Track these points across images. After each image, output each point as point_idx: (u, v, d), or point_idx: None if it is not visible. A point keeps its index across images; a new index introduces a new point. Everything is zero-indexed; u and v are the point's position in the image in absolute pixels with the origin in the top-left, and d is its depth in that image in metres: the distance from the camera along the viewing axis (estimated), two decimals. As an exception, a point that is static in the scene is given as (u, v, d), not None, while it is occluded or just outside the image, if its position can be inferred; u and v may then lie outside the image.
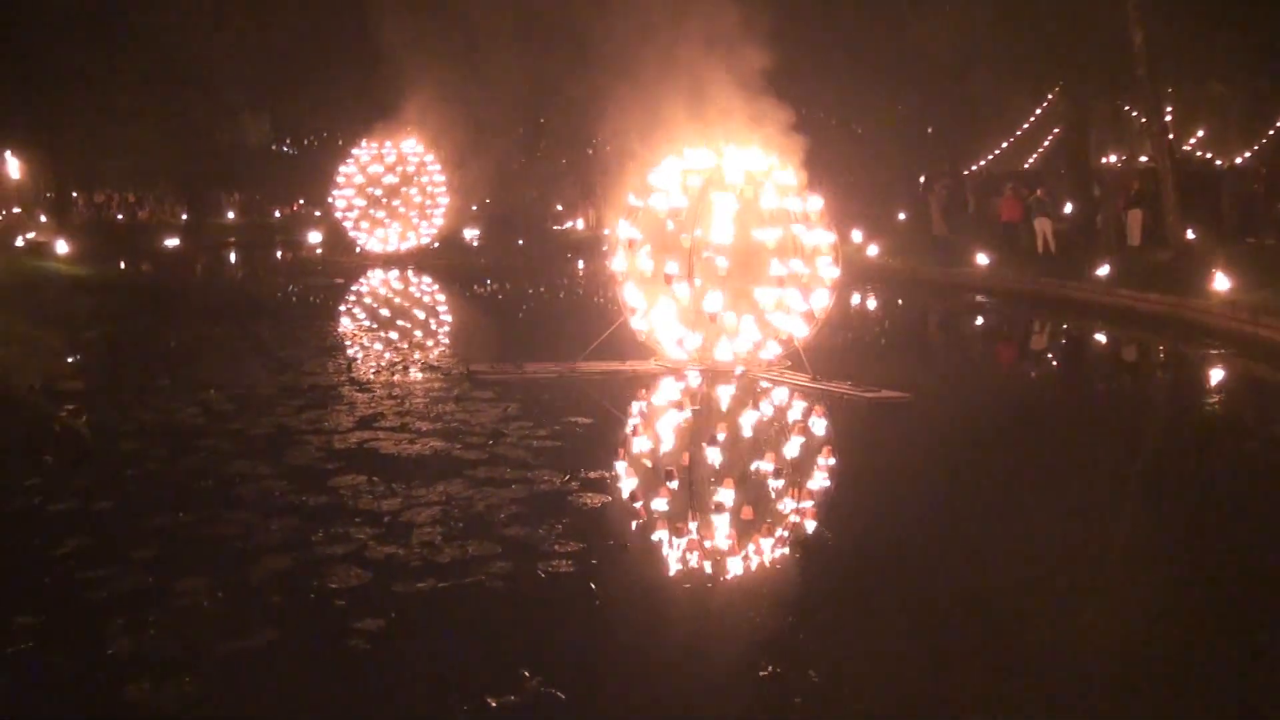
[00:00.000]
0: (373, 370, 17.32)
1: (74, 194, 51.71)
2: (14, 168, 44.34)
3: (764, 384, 15.48)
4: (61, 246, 33.28)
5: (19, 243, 32.77)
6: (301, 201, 68.74)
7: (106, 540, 9.16)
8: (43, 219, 43.96)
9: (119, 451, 12.14)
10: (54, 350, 19.24)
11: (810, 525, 9.48)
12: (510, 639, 7.22)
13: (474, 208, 52.53)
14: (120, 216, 58.58)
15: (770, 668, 6.71)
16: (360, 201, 42.08)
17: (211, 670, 6.82)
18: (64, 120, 43.37)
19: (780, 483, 10.70)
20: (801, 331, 15.70)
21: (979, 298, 28.12)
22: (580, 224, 52.59)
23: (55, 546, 9.01)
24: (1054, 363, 20.42)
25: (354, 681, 6.71)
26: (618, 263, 16.61)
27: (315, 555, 8.73)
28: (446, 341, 21.63)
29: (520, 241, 48.20)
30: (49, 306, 23.23)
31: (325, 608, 7.76)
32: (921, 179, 47.65)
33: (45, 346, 19.18)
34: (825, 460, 11.51)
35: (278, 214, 67.60)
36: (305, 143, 72.20)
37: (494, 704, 6.28)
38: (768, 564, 8.65)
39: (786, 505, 10.07)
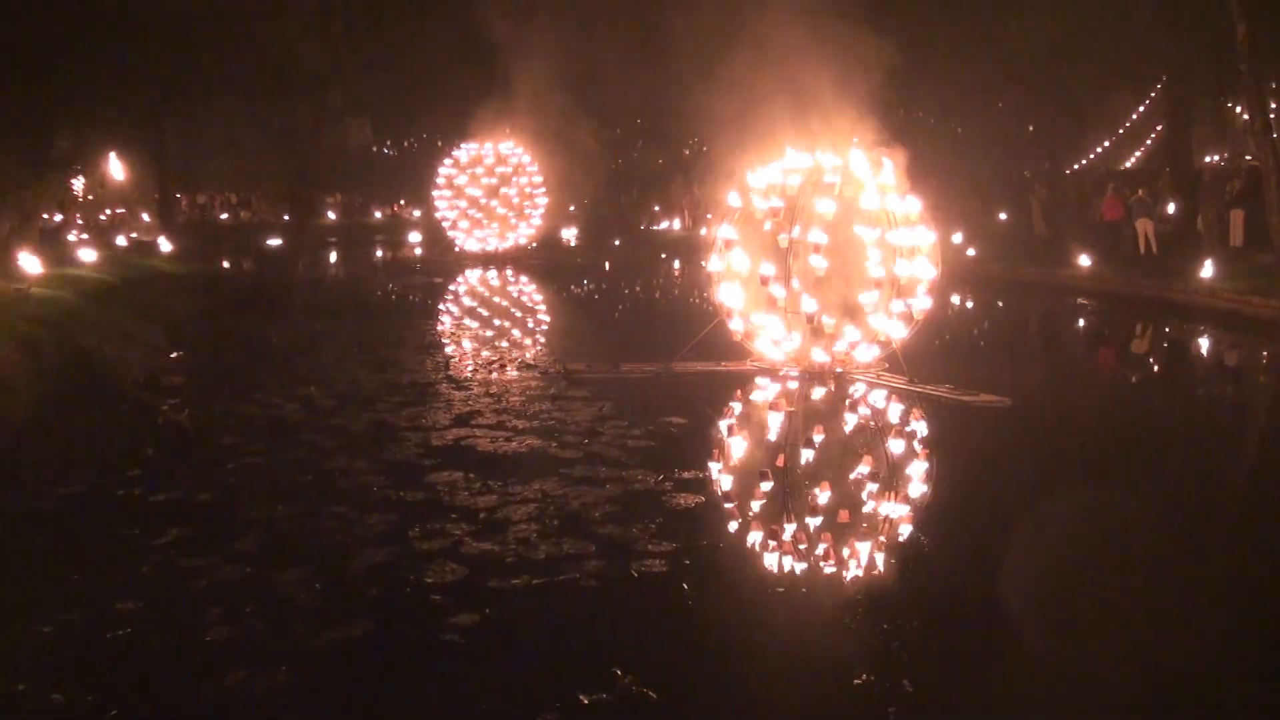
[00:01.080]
0: (470, 368, 17.47)
1: (178, 194, 52.79)
2: (118, 169, 45.38)
3: (861, 386, 15.33)
4: (165, 245, 34.00)
5: (123, 242, 33.48)
6: (401, 202, 69.55)
7: (207, 531, 9.35)
8: (146, 218, 44.94)
9: (220, 445, 12.39)
10: (158, 346, 19.68)
11: (906, 531, 9.37)
12: (603, 637, 7.24)
13: (571, 208, 52.79)
14: (224, 216, 59.67)
15: (864, 676, 6.60)
16: (459, 202, 42.49)
17: (308, 660, 6.92)
18: (167, 122, 44.34)
19: (876, 486, 10.58)
20: (900, 333, 15.54)
21: (1080, 300, 27.60)
22: (677, 224, 52.57)
23: (156, 536, 9.21)
24: (1156, 368, 19.97)
25: (448, 676, 6.77)
26: (714, 263, 16.56)
27: (412, 550, 8.83)
28: (543, 340, 21.74)
29: (617, 242, 48.32)
30: (153, 304, 23.76)
31: (421, 602, 7.84)
32: (1026, 174, 46.94)
33: (149, 342, 19.63)
34: (922, 465, 11.39)
35: (378, 215, 68.46)
36: (405, 145, 73.10)
37: (585, 701, 6.29)
38: (862, 569, 8.56)
39: (882, 510, 9.95)
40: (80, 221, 37.27)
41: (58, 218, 36.31)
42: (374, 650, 7.10)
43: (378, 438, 12.66)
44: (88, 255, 27.18)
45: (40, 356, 15.10)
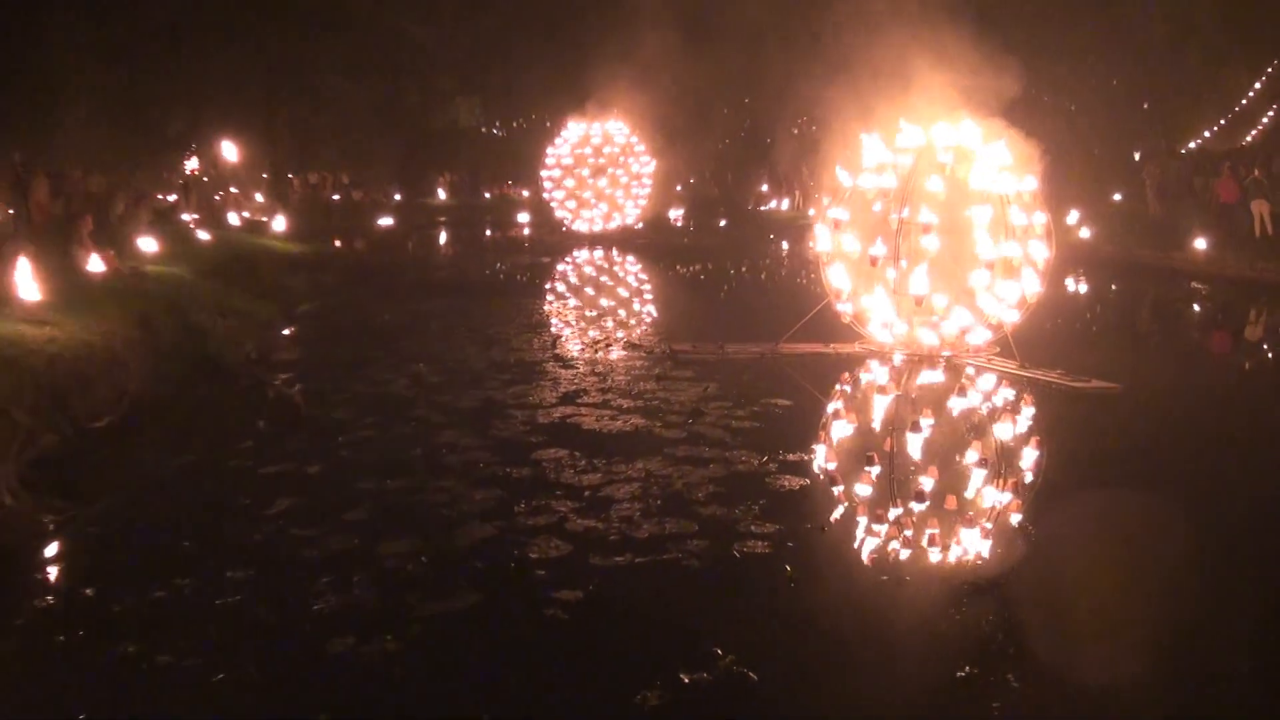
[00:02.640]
0: (576, 347, 17.54)
1: (290, 175, 53.59)
2: (231, 150, 46.22)
3: (970, 370, 15.09)
4: (278, 224, 34.55)
5: (236, 221, 34.07)
6: (510, 182, 70.00)
7: (317, 502, 9.53)
8: (259, 199, 45.69)
9: (331, 419, 12.59)
10: (270, 323, 20.05)
11: (1014, 519, 9.21)
12: (704, 617, 7.22)
13: (678, 188, 52.69)
14: (335, 196, 60.48)
15: (967, 668, 6.51)
16: (567, 182, 42.63)
17: (413, 631, 7.02)
18: (280, 104, 45.07)
19: (984, 473, 10.40)
20: (1011, 316, 15.26)
21: (1195, 284, 26.86)
22: (784, 204, 52.19)
23: (267, 506, 9.41)
24: (1271, 356, 19.38)
25: (550, 650, 6.82)
26: (823, 244, 16.41)
27: (517, 525, 8.90)
28: (648, 320, 21.74)
29: (723, 222, 48.12)
30: (266, 282, 24.17)
31: (525, 577, 7.90)
32: (1137, 154, 45.79)
33: (262, 319, 19.99)
34: (1032, 452, 11.18)
35: (487, 195, 68.93)
36: (514, 125, 73.52)
37: (686, 680, 6.29)
38: (969, 558, 8.43)
39: (990, 497, 9.77)
40: (195, 201, 37.98)
41: (172, 198, 37.04)
42: (478, 623, 7.18)
43: (485, 414, 12.77)
44: (202, 234, 27.71)
45: (156, 333, 15.44)
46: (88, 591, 7.76)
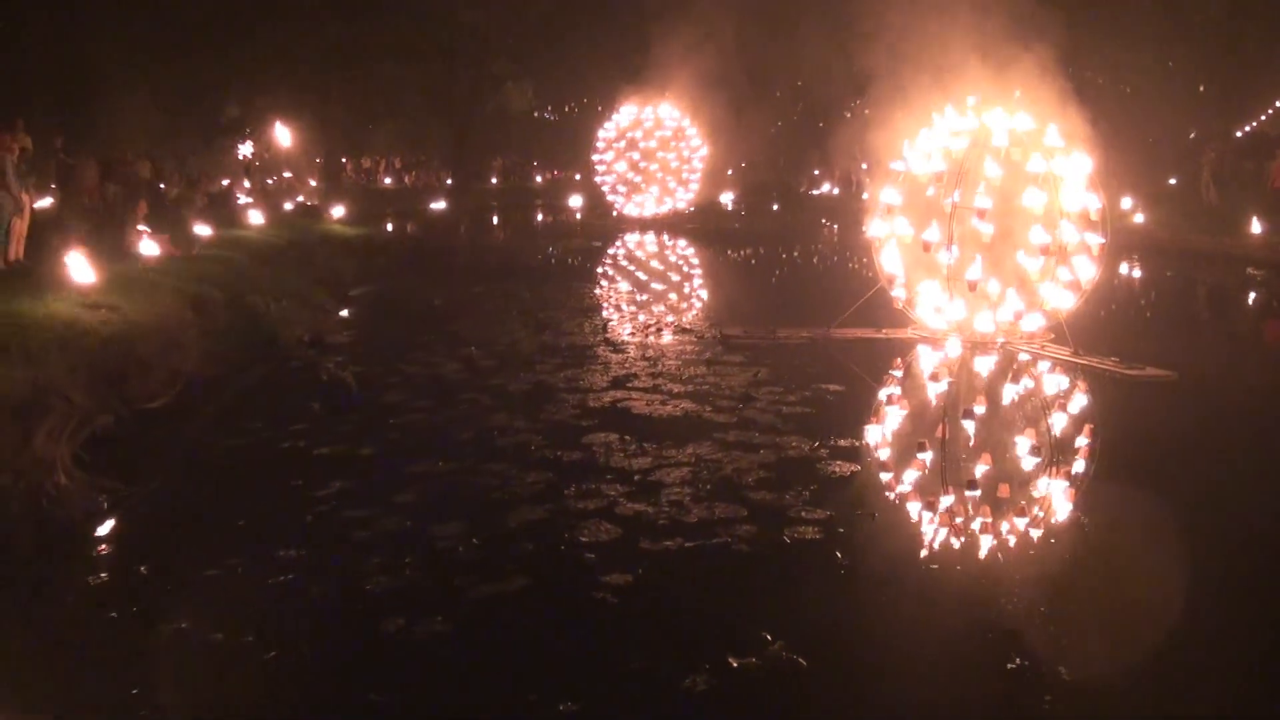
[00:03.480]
0: (627, 331, 17.53)
1: (343, 159, 53.95)
2: (285, 135, 46.55)
3: (1024, 357, 14.95)
4: (331, 208, 34.81)
5: (289, 206, 34.34)
6: (560, 168, 70.13)
7: (369, 484, 9.58)
8: (313, 183, 46.00)
9: (383, 402, 12.66)
10: (323, 306, 20.18)
11: (1068, 509, 9.10)
12: (754, 602, 7.19)
13: (730, 172, 52.56)
14: (388, 180, 60.82)
15: (1018, 660, 6.41)
16: (618, 166, 42.63)
17: (464, 612, 7.04)
18: (333, 89, 45.33)
19: (1038, 461, 10.29)
20: (1066, 302, 15.09)
21: (1251, 270, 26.40)
22: (837, 188, 51.95)
23: (320, 487, 9.47)
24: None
25: (600, 633, 6.82)
26: (876, 228, 16.31)
27: (567, 508, 8.91)
28: (700, 305, 21.72)
29: (775, 206, 47.98)
30: (319, 265, 24.33)
31: (575, 560, 7.91)
32: (1193, 136, 45.11)
33: (316, 302, 20.12)
34: (1086, 440, 11.04)
35: (539, 179, 69.12)
36: (566, 109, 73.60)
37: (735, 664, 6.27)
38: (1021, 547, 8.32)
39: (1043, 486, 9.68)
40: (248, 186, 38.36)
41: (226, 182, 37.42)
42: (528, 606, 7.18)
43: (536, 398, 12.79)
44: (256, 218, 27.93)
45: (210, 315, 15.58)
46: (141, 569, 7.85)
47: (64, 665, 6.32)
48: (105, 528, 8.80)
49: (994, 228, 14.72)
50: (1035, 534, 8.54)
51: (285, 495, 9.37)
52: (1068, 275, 14.98)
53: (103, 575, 7.83)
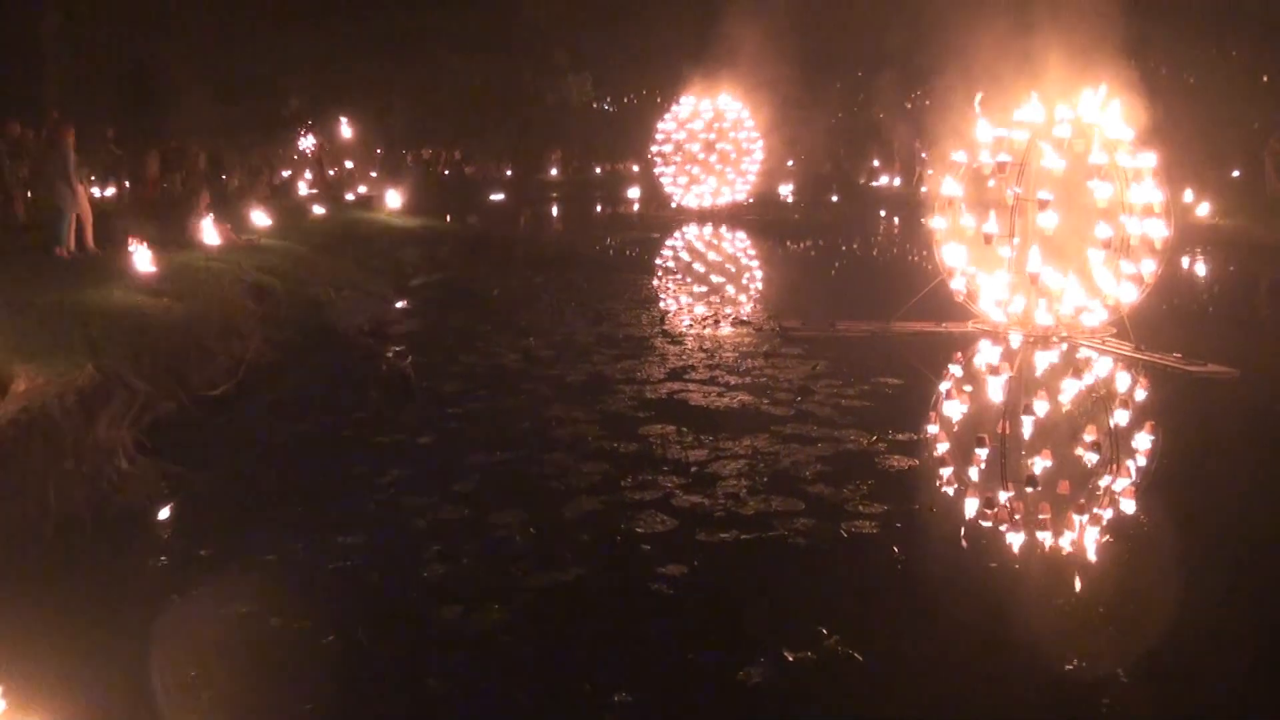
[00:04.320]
0: (685, 323, 17.50)
1: (404, 150, 54.20)
2: (346, 127, 46.93)
3: (1085, 352, 14.76)
4: (392, 199, 34.99)
5: (350, 197, 34.56)
6: (620, 159, 70.14)
7: (428, 472, 9.67)
8: (373, 174, 46.28)
9: (442, 391, 12.75)
10: (384, 296, 20.32)
11: (1128, 507, 8.95)
12: (809, 596, 7.17)
13: (789, 163, 52.30)
14: (447, 172, 61.06)
15: (1076, 662, 6.33)
16: (677, 158, 42.54)
17: (520, 601, 7.07)
18: (393, 82, 45.59)
19: (1098, 458, 10.15)
20: (1128, 297, 14.89)
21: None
22: (897, 180, 51.54)
23: (379, 475, 9.56)
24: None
25: (655, 624, 6.82)
26: (936, 220, 16.17)
27: (624, 499, 8.92)
28: (758, 297, 21.63)
29: (835, 198, 47.67)
30: (380, 256, 24.48)
31: (631, 551, 7.92)
32: (1256, 125, 44.24)
33: (376, 292, 20.26)
34: (1147, 437, 10.87)
35: (598, 170, 69.15)
36: (625, 101, 73.55)
37: (790, 659, 6.25)
38: (1081, 546, 8.22)
39: (1104, 484, 9.53)
40: (310, 176, 38.68)
41: (288, 173, 37.72)
42: (583, 596, 7.21)
43: (593, 389, 12.82)
44: (317, 208, 28.16)
45: (271, 305, 15.73)
46: (202, 553, 7.95)
47: (126, 647, 6.40)
48: (166, 512, 8.93)
49: (1056, 220, 14.54)
50: (1094, 532, 8.43)
51: (345, 482, 9.47)
52: (1130, 269, 14.78)
53: (163, 559, 7.93)
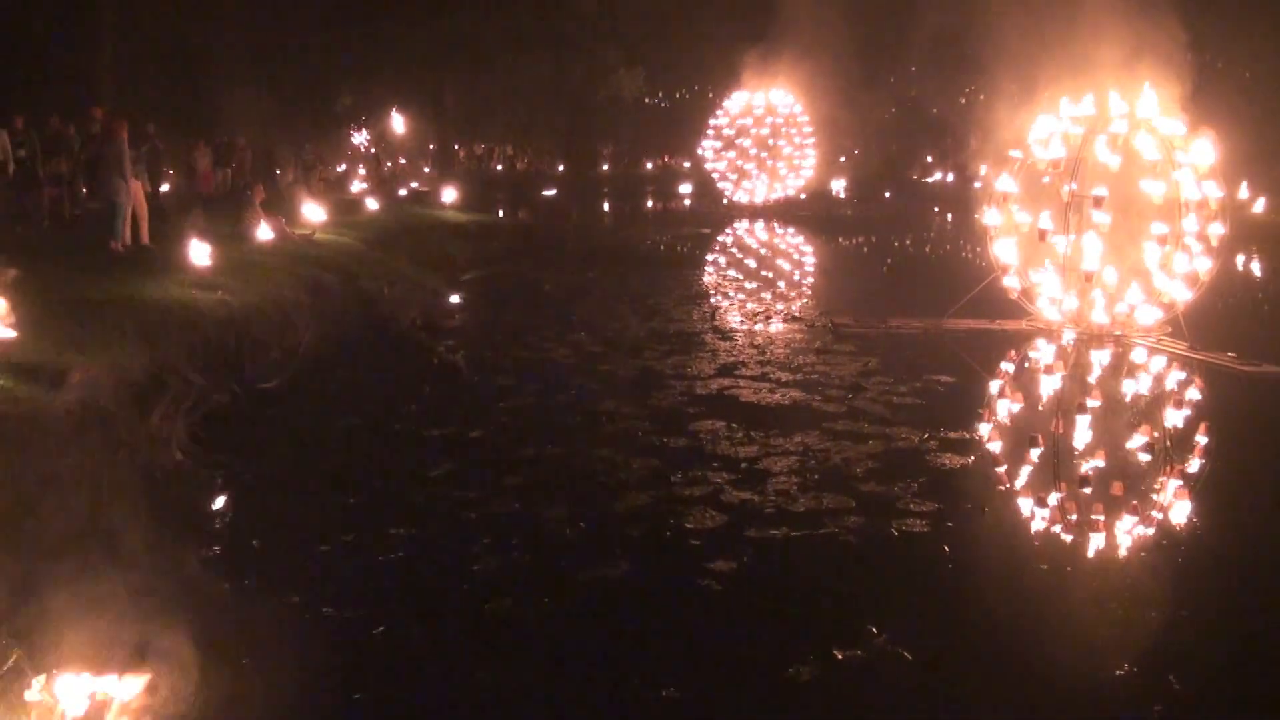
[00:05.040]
0: (736, 319, 17.48)
1: (456, 146, 54.41)
2: (399, 122, 47.19)
3: (1140, 350, 14.59)
4: (444, 195, 35.18)
5: (403, 192, 34.79)
6: (671, 154, 70.08)
7: (478, 466, 9.69)
8: (426, 170, 46.52)
9: (493, 385, 12.79)
10: (436, 290, 20.41)
11: (1182, 510, 8.82)
12: (859, 594, 7.13)
13: (841, 159, 52.10)
14: (499, 168, 61.30)
15: (1126, 667, 6.23)
16: (729, 153, 42.48)
17: (569, 595, 7.08)
18: (446, 78, 45.75)
19: (1151, 459, 10.02)
20: (1183, 295, 14.71)
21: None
22: (950, 176, 51.22)
23: (431, 468, 9.60)
24: None
25: (704, 620, 6.80)
26: (990, 217, 16.05)
27: (673, 495, 8.91)
28: (809, 293, 21.56)
29: (887, 193, 47.46)
30: (432, 250, 24.61)
31: (680, 546, 7.91)
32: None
33: (428, 287, 20.36)
34: (1201, 439, 10.71)
35: (649, 165, 69.15)
36: (677, 96, 73.44)
37: (840, 657, 6.22)
38: (1133, 548, 8.12)
39: (1157, 485, 9.41)
40: (363, 172, 38.99)
41: (341, 168, 38.03)
42: (632, 590, 7.20)
43: (644, 384, 12.82)
44: (371, 204, 28.35)
45: (324, 298, 15.84)
46: (254, 543, 8.01)
47: (177, 635, 6.46)
48: (220, 503, 9.01)
49: (1112, 217, 14.40)
50: (1147, 534, 8.32)
51: (396, 475, 9.51)
52: (1185, 266, 14.60)
53: (216, 549, 8.00)
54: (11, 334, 9.27)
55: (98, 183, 16.49)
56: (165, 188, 24.66)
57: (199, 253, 14.47)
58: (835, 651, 6.26)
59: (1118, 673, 6.18)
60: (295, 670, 6.16)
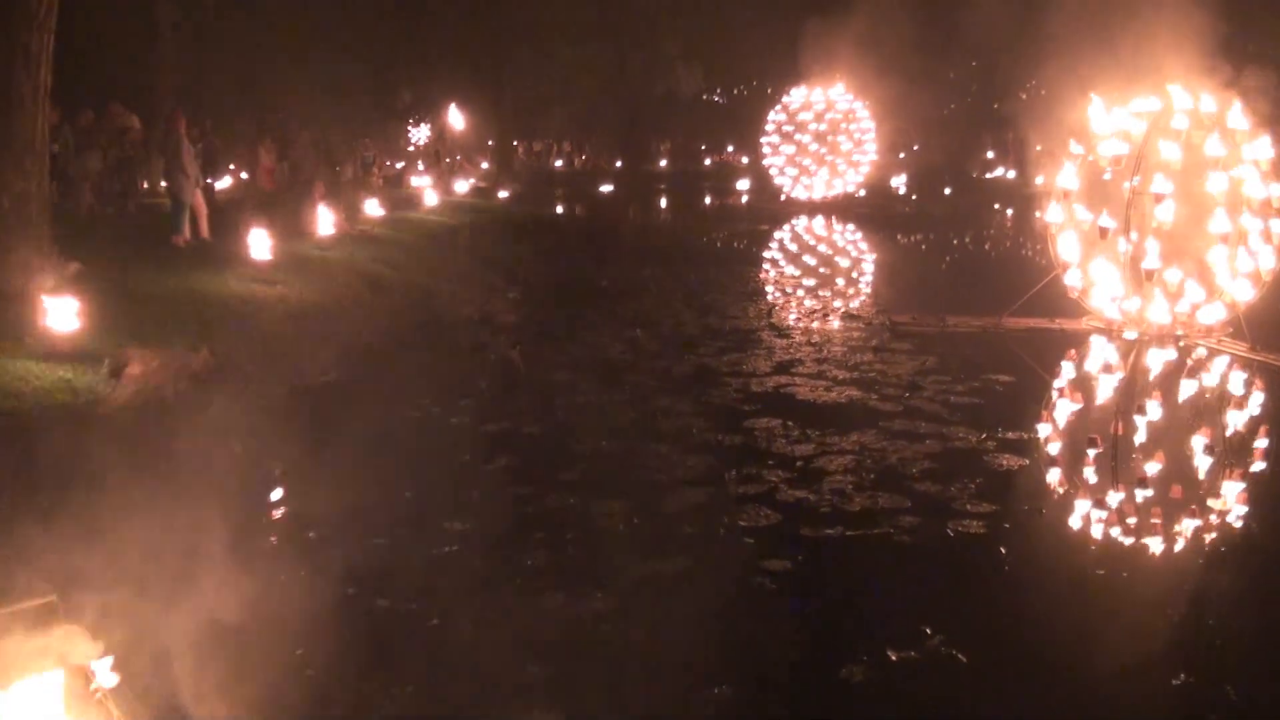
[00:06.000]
0: (793, 316, 17.44)
1: (514, 142, 54.61)
2: (458, 119, 47.40)
3: (1201, 351, 14.38)
4: (502, 191, 35.33)
5: (462, 188, 34.99)
6: (730, 149, 69.98)
7: (533, 461, 9.73)
8: (485, 166, 46.74)
9: (549, 381, 12.83)
10: (493, 286, 20.49)
11: (1242, 515, 8.66)
12: (914, 595, 7.08)
13: (901, 155, 51.77)
14: (558, 163, 61.51)
15: (1183, 676, 6.11)
16: (787, 149, 42.34)
17: (623, 591, 7.09)
18: (504, 73, 45.90)
19: (1212, 462, 9.87)
20: (1245, 294, 14.48)
21: None
22: (1011, 172, 50.75)
23: (486, 463, 9.67)
24: None
25: (757, 617, 6.78)
26: (1051, 214, 15.88)
27: (728, 493, 8.92)
28: (868, 290, 21.46)
29: (947, 190, 47.10)
30: (490, 246, 24.71)
31: (734, 544, 7.90)
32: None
33: (486, 282, 20.44)
34: (1262, 442, 10.52)
35: (707, 161, 69.10)
36: (735, 91, 73.30)
37: (894, 658, 6.19)
38: (1191, 554, 7.99)
39: (1218, 490, 9.22)
40: (422, 168, 39.27)
41: (399, 164, 38.27)
42: (686, 587, 7.19)
43: (699, 381, 12.82)
44: (429, 199, 28.52)
45: (383, 293, 15.95)
46: (311, 535, 8.09)
47: (234, 626, 6.54)
48: (277, 494, 9.10)
49: (1173, 214, 14.20)
50: (1207, 539, 8.20)
51: (452, 469, 9.57)
52: (1248, 265, 14.37)
53: (273, 539, 8.09)
54: (74, 326, 9.41)
55: (159, 178, 16.67)
56: (225, 183, 24.93)
57: (259, 247, 14.61)
58: (889, 652, 6.23)
59: (1174, 682, 6.07)
60: (349, 661, 6.21)
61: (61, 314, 9.29)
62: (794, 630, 6.63)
